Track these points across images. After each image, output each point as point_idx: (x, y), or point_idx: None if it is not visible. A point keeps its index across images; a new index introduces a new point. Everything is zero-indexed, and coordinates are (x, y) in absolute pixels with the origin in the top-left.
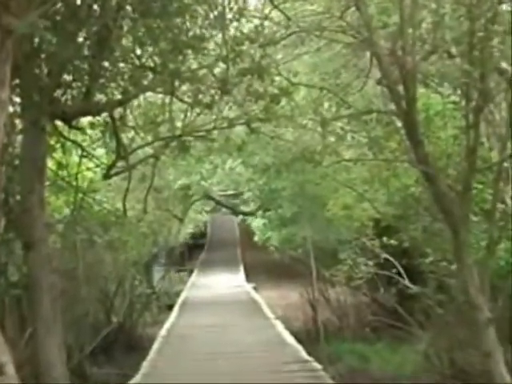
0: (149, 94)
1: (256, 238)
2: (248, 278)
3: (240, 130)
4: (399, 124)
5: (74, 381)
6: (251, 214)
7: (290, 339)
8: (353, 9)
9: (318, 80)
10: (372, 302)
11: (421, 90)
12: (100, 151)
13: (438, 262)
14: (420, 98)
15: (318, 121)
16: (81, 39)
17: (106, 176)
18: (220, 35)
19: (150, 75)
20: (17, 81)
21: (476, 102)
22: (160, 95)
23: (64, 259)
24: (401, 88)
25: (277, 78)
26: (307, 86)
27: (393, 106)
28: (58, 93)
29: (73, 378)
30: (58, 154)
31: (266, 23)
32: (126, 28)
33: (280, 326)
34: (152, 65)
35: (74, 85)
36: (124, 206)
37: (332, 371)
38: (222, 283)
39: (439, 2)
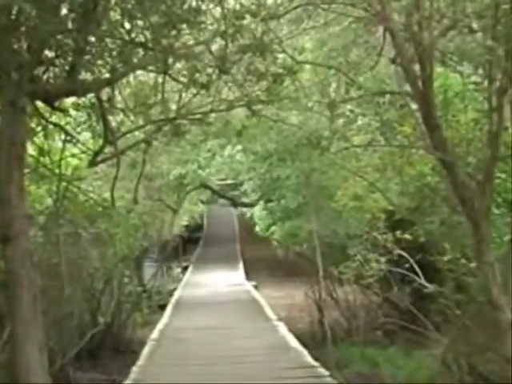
0: (139, 72)
1: (257, 229)
2: (248, 276)
3: (240, 112)
4: (414, 106)
5: None
6: (251, 205)
7: (294, 343)
8: None
9: (326, 58)
10: (384, 303)
11: (438, 69)
12: (85, 135)
13: (457, 259)
14: (437, 77)
15: (326, 103)
16: (64, 11)
17: (93, 163)
18: (218, 8)
19: (141, 52)
20: None
21: (500, 82)
22: (152, 74)
23: (46, 254)
24: (416, 67)
25: (280, 56)
26: (313, 64)
27: (408, 87)
28: (39, 70)
29: None
30: (39, 139)
31: None
32: None
33: (283, 329)
34: (143, 40)
35: (56, 62)
36: (112, 195)
37: (340, 378)
38: (219, 281)
39: None
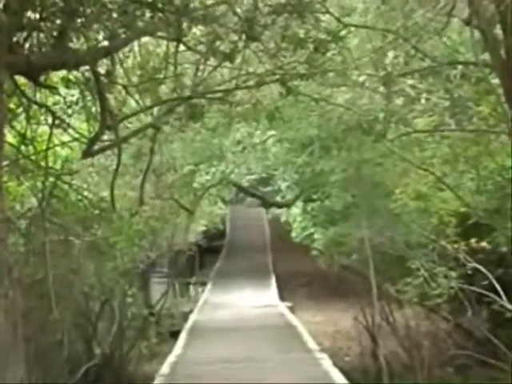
0: (146, 39)
1: (294, 235)
2: (282, 295)
3: (272, 90)
4: (495, 81)
5: None
6: (287, 205)
7: (341, 380)
8: None
9: (381, 20)
10: (455, 330)
11: None
12: (78, 119)
13: None
14: None
15: (380, 77)
16: None
17: (87, 153)
18: None
19: (148, 13)
20: None
21: None
22: (162, 42)
23: (29, 268)
24: (498, 30)
25: (324, 18)
26: (365, 28)
27: (487, 56)
28: (20, 37)
29: None
30: (20, 123)
31: None
32: None
33: (327, 362)
34: None
35: (42, 25)
36: (112, 194)
37: None
38: (245, 301)
39: None
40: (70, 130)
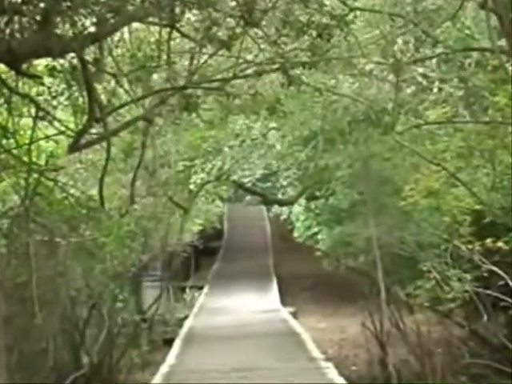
0: (137, 25)
1: (296, 235)
2: (284, 300)
3: (273, 79)
4: None
5: None
6: (289, 203)
7: None
8: None
9: (390, 4)
10: (470, 336)
11: None
12: (64, 111)
13: None
14: None
15: (389, 65)
16: None
17: (74, 148)
18: None
19: None
20: None
21: None
22: (154, 28)
23: (11, 270)
24: None
25: (328, 2)
26: (373, 11)
27: (504, 42)
28: (1, 21)
29: None
30: (1, 115)
31: None
32: None
33: (332, 371)
34: None
35: (24, 9)
36: (101, 192)
37: None
38: (245, 306)
39: None
40: (56, 123)
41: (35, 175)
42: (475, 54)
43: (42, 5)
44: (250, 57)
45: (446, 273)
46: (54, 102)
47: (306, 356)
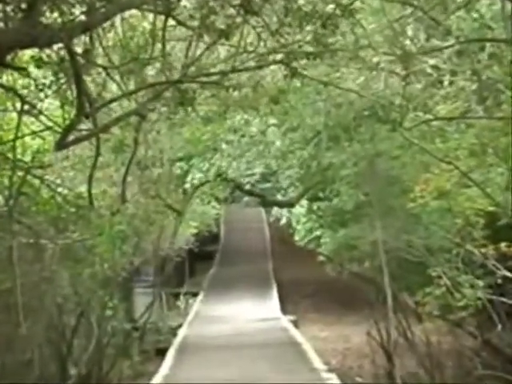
0: (130, 13)
1: (297, 238)
2: (284, 307)
3: (274, 72)
4: None
5: None
6: (289, 204)
7: None
8: None
9: None
10: (483, 347)
11: None
12: (51, 105)
13: None
14: None
15: (397, 56)
16: None
17: (61, 144)
18: None
19: None
20: None
21: None
22: (148, 16)
23: None
24: None
25: None
26: None
27: None
28: None
29: None
30: None
31: None
32: None
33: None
34: None
35: None
36: (90, 191)
37: None
38: (242, 314)
39: None
40: (42, 118)
41: (20, 173)
42: (490, 45)
43: None
44: (250, 48)
45: (457, 279)
46: (41, 96)
47: (307, 367)
